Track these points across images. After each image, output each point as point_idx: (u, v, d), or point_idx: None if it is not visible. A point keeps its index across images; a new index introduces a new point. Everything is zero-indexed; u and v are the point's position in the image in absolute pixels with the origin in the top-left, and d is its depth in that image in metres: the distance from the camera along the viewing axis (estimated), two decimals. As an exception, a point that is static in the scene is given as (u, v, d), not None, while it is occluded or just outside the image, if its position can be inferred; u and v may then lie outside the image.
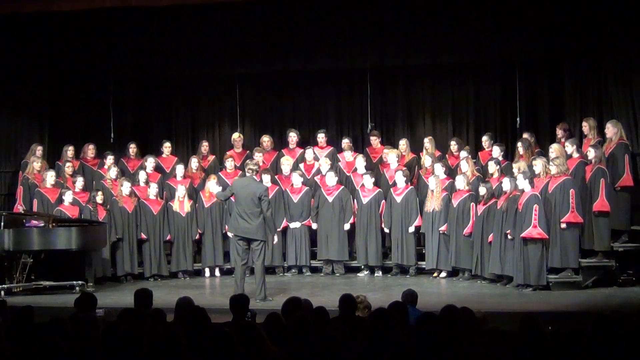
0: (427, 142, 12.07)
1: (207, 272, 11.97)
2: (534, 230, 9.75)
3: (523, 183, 10.03)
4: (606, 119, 10.71)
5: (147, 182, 11.86)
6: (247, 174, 9.84)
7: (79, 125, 13.18)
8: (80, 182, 11.64)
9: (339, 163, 12.36)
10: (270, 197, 11.51)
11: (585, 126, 10.73)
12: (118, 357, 4.32)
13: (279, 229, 11.88)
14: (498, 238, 10.32)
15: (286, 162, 12.24)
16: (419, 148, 12.35)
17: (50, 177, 11.45)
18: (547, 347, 4.49)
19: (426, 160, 11.78)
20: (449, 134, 12.79)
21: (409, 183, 11.62)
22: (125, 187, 11.53)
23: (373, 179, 11.72)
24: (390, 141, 12.78)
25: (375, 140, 12.53)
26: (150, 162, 12.18)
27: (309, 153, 12.37)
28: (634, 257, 10.22)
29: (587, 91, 11.52)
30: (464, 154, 11.60)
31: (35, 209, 11.28)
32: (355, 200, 11.78)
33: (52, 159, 12.37)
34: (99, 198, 11.21)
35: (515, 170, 10.45)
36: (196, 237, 11.93)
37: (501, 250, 10.28)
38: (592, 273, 10.09)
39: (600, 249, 10.12)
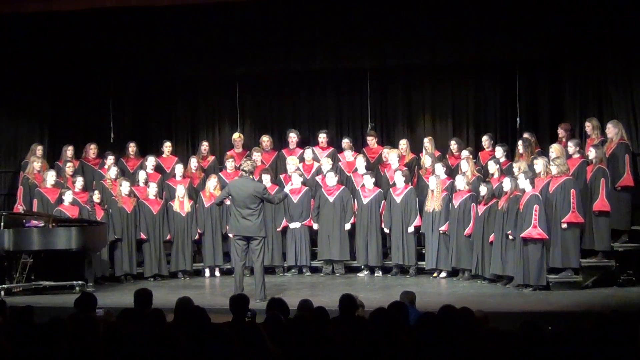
0: (427, 142, 12.06)
1: (207, 272, 11.97)
2: (533, 231, 9.73)
3: (524, 183, 10.01)
4: (606, 119, 10.71)
5: (146, 182, 11.86)
6: (243, 175, 9.84)
7: (79, 125, 13.15)
8: (80, 182, 11.63)
9: (339, 163, 12.35)
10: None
11: (589, 126, 10.71)
12: (118, 357, 4.31)
13: (278, 229, 11.92)
14: (499, 238, 10.31)
15: (292, 162, 12.16)
16: (418, 148, 12.34)
17: (50, 177, 11.43)
18: (547, 347, 4.48)
19: (426, 160, 11.77)
20: (449, 134, 12.79)
21: (409, 183, 11.62)
22: (125, 187, 11.52)
23: (373, 179, 11.72)
24: (390, 141, 12.78)
25: (372, 141, 12.52)
26: (150, 161, 12.17)
27: (308, 153, 12.36)
28: (634, 257, 10.22)
29: (587, 91, 11.52)
30: (465, 153, 11.59)
31: (35, 209, 11.26)
32: (355, 201, 11.78)
33: (52, 159, 12.34)
34: (96, 197, 11.22)
35: (515, 170, 10.44)
36: (196, 237, 11.94)
37: (502, 251, 10.27)
38: (592, 273, 10.07)
39: (600, 249, 10.11)
